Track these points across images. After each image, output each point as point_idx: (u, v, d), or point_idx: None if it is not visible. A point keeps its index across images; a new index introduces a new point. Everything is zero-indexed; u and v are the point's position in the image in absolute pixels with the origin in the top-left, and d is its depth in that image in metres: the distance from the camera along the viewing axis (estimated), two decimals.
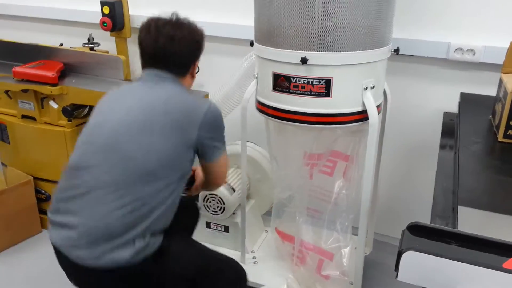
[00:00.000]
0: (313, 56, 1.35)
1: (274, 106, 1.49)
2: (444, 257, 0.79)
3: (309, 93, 1.40)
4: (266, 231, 2.06)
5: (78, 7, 2.54)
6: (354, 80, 1.41)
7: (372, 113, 1.43)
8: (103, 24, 2.27)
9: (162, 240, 1.31)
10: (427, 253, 0.80)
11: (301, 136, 1.71)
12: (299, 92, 1.41)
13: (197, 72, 1.48)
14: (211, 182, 1.49)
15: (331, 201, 1.68)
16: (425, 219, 0.94)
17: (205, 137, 1.33)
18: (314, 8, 1.31)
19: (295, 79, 1.40)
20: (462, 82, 1.84)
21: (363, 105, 1.44)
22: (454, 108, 1.75)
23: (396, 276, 0.82)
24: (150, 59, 1.38)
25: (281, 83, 1.43)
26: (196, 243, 1.46)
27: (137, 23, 2.30)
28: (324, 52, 1.35)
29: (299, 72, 1.39)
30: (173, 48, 1.35)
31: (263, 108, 1.54)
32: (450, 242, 0.83)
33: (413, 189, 2.09)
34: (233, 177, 1.93)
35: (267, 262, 1.86)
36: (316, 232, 1.73)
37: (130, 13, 2.32)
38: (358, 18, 1.33)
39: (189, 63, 1.41)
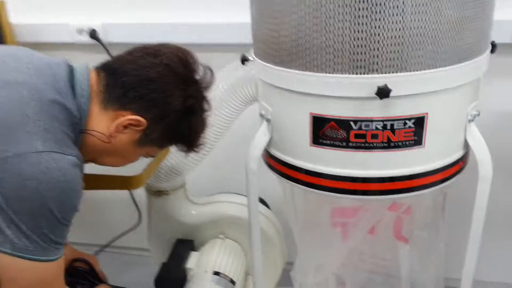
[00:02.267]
0: (397, 83, 0.73)
1: (316, 170, 0.85)
2: None
3: (387, 144, 0.79)
4: None
5: None
6: (456, 110, 0.82)
7: (484, 157, 0.84)
8: None
9: None
10: None
11: None
12: (367, 145, 0.79)
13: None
14: None
15: (400, 276, 1.10)
16: None
17: None
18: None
19: (360, 124, 0.78)
20: None
21: (465, 147, 0.86)
22: None
23: None
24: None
25: (331, 132, 0.80)
26: None
27: (28, 36, 1.56)
28: (414, 73, 0.74)
29: (369, 111, 0.76)
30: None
31: (288, 171, 0.90)
32: None
33: None
34: (225, 258, 1.28)
35: None
36: None
37: (13, 21, 1.54)
38: (463, 9, 0.73)
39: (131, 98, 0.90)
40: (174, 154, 1.27)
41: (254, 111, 1.06)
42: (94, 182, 1.08)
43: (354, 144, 0.79)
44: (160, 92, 0.91)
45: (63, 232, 0.84)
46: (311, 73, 0.77)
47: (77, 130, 0.89)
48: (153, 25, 1.44)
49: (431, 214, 1.08)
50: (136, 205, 1.75)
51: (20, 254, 0.78)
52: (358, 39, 0.72)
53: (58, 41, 1.56)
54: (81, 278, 1.19)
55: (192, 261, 1.28)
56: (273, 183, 1.02)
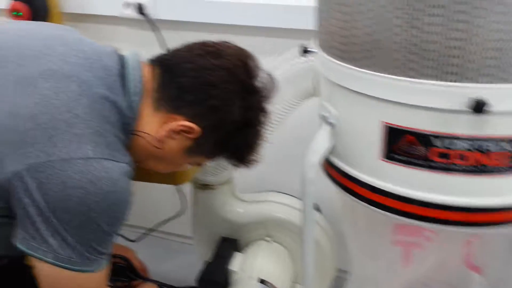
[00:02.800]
0: (495, 95, 0.59)
1: (385, 188, 0.72)
2: None
3: (475, 168, 0.64)
4: None
5: None
6: None
7: None
8: (13, 14, 1.39)
9: None
10: None
11: None
12: (450, 167, 0.65)
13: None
14: None
15: None
16: None
17: (28, 194, 0.68)
18: None
19: (444, 141, 0.64)
20: None
21: None
22: None
23: None
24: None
25: (407, 147, 0.67)
26: None
27: (72, 6, 1.47)
28: None
29: (457, 126, 0.62)
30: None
31: (351, 185, 0.78)
32: None
33: None
34: (271, 265, 1.18)
35: None
36: None
37: None
38: None
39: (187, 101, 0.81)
40: None
41: (311, 106, 0.95)
42: (139, 174, 1.01)
43: (434, 164, 0.65)
44: (220, 100, 0.81)
45: (110, 243, 0.77)
46: (389, 76, 0.64)
47: (127, 131, 0.81)
48: (206, 3, 1.32)
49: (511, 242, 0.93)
50: (181, 193, 1.68)
51: (64, 265, 0.72)
52: (452, 39, 0.58)
53: (104, 14, 1.46)
54: (120, 275, 1.13)
55: (236, 263, 1.18)
56: (326, 185, 0.91)
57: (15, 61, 0.75)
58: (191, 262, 1.42)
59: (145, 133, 0.82)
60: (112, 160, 0.73)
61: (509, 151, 0.63)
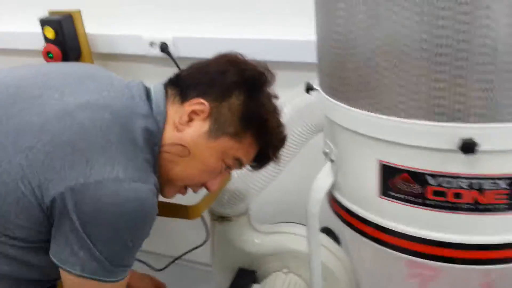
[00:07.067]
0: (486, 135, 0.59)
1: (386, 226, 0.72)
2: None
3: (473, 207, 0.64)
4: None
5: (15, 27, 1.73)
6: None
7: None
8: (48, 56, 1.48)
9: None
10: None
11: None
12: (448, 205, 0.65)
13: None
14: None
15: None
16: None
17: (65, 212, 0.74)
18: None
19: (440, 180, 0.64)
20: None
21: None
22: None
23: None
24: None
25: (403, 185, 0.67)
26: None
27: (102, 47, 1.55)
28: (508, 124, 0.59)
29: (452, 165, 0.62)
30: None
31: (354, 221, 0.78)
32: None
33: None
34: None
35: None
36: None
37: (88, 31, 1.53)
38: None
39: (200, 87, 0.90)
40: (237, 178, 1.19)
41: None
42: None
43: (432, 202, 0.65)
44: (214, 72, 0.90)
45: (133, 256, 0.82)
46: (381, 116, 0.65)
47: (156, 150, 0.87)
48: (219, 40, 1.37)
49: None
50: (204, 222, 1.70)
51: (88, 276, 0.77)
52: (437, 80, 0.58)
53: (131, 53, 1.54)
54: None
55: None
56: None
57: (56, 97, 0.83)
58: None
59: (168, 145, 0.88)
60: (140, 182, 0.77)
61: (505, 189, 0.62)
